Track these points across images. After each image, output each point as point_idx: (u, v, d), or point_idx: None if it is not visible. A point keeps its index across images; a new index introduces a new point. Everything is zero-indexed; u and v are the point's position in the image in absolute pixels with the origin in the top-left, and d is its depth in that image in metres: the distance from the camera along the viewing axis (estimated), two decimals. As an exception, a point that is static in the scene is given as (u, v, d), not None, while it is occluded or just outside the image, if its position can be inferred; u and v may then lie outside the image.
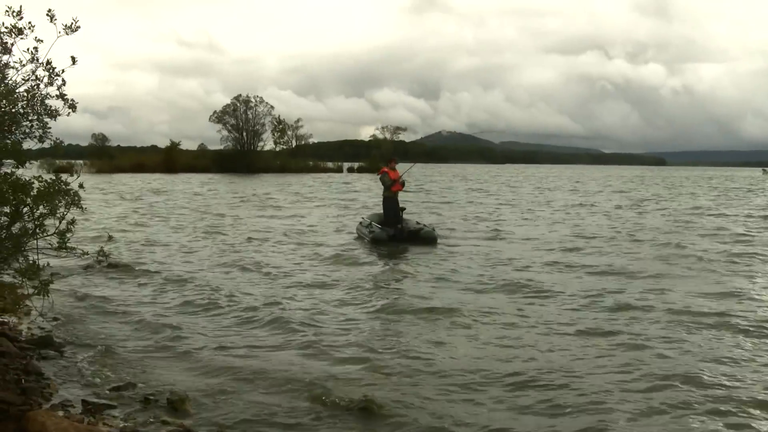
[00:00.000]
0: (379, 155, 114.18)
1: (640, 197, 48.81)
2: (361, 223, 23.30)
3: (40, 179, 6.91)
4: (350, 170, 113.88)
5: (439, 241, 21.13)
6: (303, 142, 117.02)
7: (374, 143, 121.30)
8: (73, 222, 7.07)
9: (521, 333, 10.38)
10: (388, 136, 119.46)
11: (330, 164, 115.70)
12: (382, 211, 22.57)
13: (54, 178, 6.98)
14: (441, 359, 9.08)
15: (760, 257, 18.08)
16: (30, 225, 6.87)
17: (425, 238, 20.94)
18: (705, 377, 8.26)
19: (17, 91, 7.13)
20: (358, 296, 13.13)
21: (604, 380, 8.20)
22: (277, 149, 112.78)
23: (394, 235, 20.91)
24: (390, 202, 21.74)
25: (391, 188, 21.50)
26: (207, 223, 27.39)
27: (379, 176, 22.30)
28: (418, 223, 22.34)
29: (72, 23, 7.10)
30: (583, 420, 7.05)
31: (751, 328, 10.52)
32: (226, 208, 35.92)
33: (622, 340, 9.88)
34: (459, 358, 9.13)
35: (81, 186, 7.18)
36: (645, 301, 12.44)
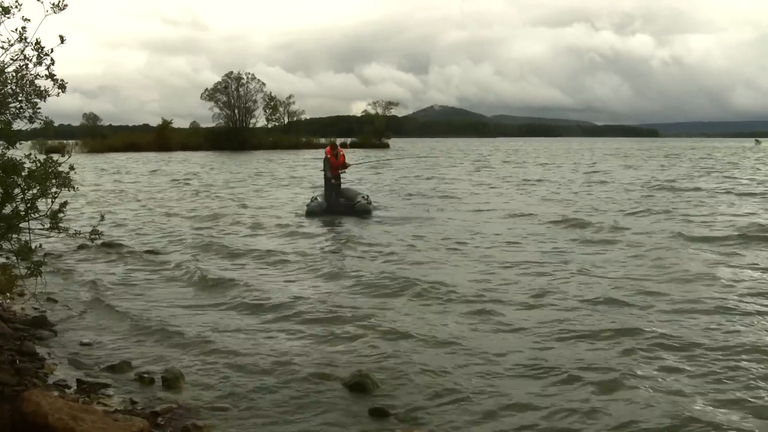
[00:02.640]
0: (372, 130, 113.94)
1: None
2: (311, 198, 24.17)
3: (31, 158, 6.89)
4: (343, 146, 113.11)
5: (373, 214, 22.12)
6: (295, 119, 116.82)
7: (366, 118, 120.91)
8: (65, 204, 7.07)
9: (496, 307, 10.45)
10: (380, 111, 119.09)
11: (323, 140, 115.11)
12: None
13: (45, 158, 6.96)
14: (429, 334, 9.12)
15: None
16: (22, 206, 6.86)
17: (359, 211, 22.05)
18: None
19: (6, 71, 7.10)
20: (338, 273, 13.17)
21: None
22: (270, 126, 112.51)
23: (328, 207, 22.32)
24: (334, 180, 22.90)
25: (330, 171, 22.67)
26: (200, 204, 27.47)
27: (323, 158, 23.20)
28: (364, 197, 23.33)
29: (59, 1, 7.05)
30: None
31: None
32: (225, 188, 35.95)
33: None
34: (447, 332, 9.19)
35: (72, 168, 7.16)
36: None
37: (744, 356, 8.05)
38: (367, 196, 23.92)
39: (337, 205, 22.35)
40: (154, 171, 51.23)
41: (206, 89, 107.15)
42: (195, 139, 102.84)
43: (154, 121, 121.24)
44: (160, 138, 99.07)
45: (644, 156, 76.97)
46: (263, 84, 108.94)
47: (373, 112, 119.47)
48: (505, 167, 54.50)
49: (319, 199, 23.14)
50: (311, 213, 22.26)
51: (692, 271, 12.69)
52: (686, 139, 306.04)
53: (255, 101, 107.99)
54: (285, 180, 40.91)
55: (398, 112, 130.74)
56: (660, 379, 7.40)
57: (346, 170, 23.85)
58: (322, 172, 23.23)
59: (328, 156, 22.73)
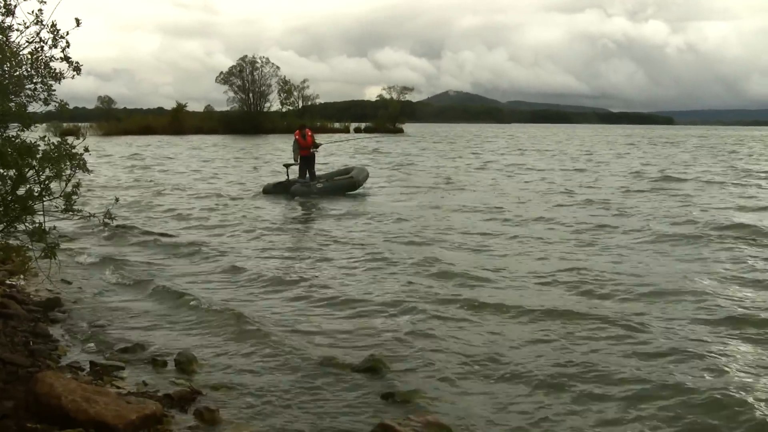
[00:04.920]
0: (387, 115, 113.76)
1: None
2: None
3: (45, 141, 6.90)
4: (357, 130, 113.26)
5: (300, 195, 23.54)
6: (309, 103, 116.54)
7: (381, 103, 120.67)
8: (78, 185, 7.07)
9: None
10: (394, 96, 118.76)
11: (337, 125, 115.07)
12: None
13: (59, 141, 6.97)
14: (442, 318, 9.12)
15: None
16: (36, 188, 6.87)
17: (291, 192, 23.94)
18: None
19: (21, 53, 7.10)
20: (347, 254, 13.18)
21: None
22: (284, 110, 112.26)
23: (279, 184, 24.75)
24: (304, 160, 24.79)
25: (300, 152, 24.63)
26: (210, 187, 27.57)
27: (294, 139, 25.12)
28: (326, 180, 24.85)
29: (76, -16, 7.06)
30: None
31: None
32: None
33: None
34: (460, 316, 9.17)
35: (86, 149, 7.16)
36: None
37: None
38: (350, 173, 25.22)
39: (289, 184, 24.32)
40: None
41: (221, 73, 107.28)
42: (209, 123, 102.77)
43: (169, 105, 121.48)
44: (175, 121, 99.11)
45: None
46: (278, 68, 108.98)
47: (387, 96, 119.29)
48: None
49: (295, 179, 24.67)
50: (265, 191, 24.80)
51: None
52: (702, 127, 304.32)
53: (269, 85, 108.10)
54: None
55: (412, 97, 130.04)
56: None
57: (318, 149, 25.35)
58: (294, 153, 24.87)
59: (297, 138, 24.58)
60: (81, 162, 7.01)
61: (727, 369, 7.29)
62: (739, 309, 9.37)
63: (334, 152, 44.28)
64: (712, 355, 7.70)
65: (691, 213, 18.52)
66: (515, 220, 17.78)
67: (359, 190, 24.58)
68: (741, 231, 15.32)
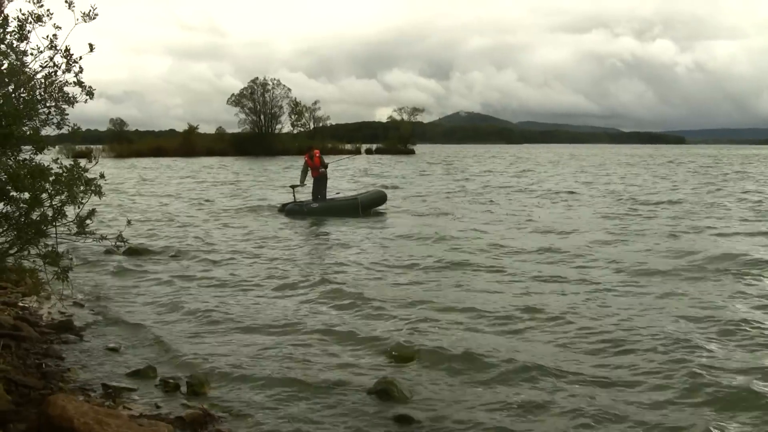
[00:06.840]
0: (398, 136, 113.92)
1: None
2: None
3: (58, 163, 6.96)
4: (368, 152, 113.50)
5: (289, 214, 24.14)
6: (321, 124, 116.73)
7: (392, 124, 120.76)
8: (93, 212, 7.14)
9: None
10: (405, 117, 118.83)
11: (348, 146, 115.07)
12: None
13: (72, 164, 7.02)
14: (453, 340, 9.09)
15: None
16: (49, 211, 6.93)
17: (285, 211, 24.65)
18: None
19: (35, 77, 7.17)
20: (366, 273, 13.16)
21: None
22: (295, 132, 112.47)
23: (286, 205, 25.19)
24: (315, 181, 25.31)
25: (312, 174, 25.24)
26: (220, 206, 27.63)
27: (304, 161, 25.77)
28: (323, 201, 24.90)
29: (90, 11, 7.15)
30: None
31: None
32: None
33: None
34: (471, 339, 9.15)
35: (102, 176, 7.22)
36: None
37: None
38: (357, 196, 25.07)
39: (300, 204, 24.35)
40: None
41: (233, 95, 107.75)
42: (220, 145, 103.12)
43: (180, 126, 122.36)
44: (186, 143, 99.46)
45: None
46: (289, 90, 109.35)
47: (398, 118, 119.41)
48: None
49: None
50: (281, 210, 25.14)
51: None
52: (714, 146, 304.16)
53: (281, 107, 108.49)
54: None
55: (423, 118, 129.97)
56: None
57: (327, 168, 25.53)
58: (308, 172, 25.37)
59: (307, 160, 25.20)
60: (95, 187, 7.07)
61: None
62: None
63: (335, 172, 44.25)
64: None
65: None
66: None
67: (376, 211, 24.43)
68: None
